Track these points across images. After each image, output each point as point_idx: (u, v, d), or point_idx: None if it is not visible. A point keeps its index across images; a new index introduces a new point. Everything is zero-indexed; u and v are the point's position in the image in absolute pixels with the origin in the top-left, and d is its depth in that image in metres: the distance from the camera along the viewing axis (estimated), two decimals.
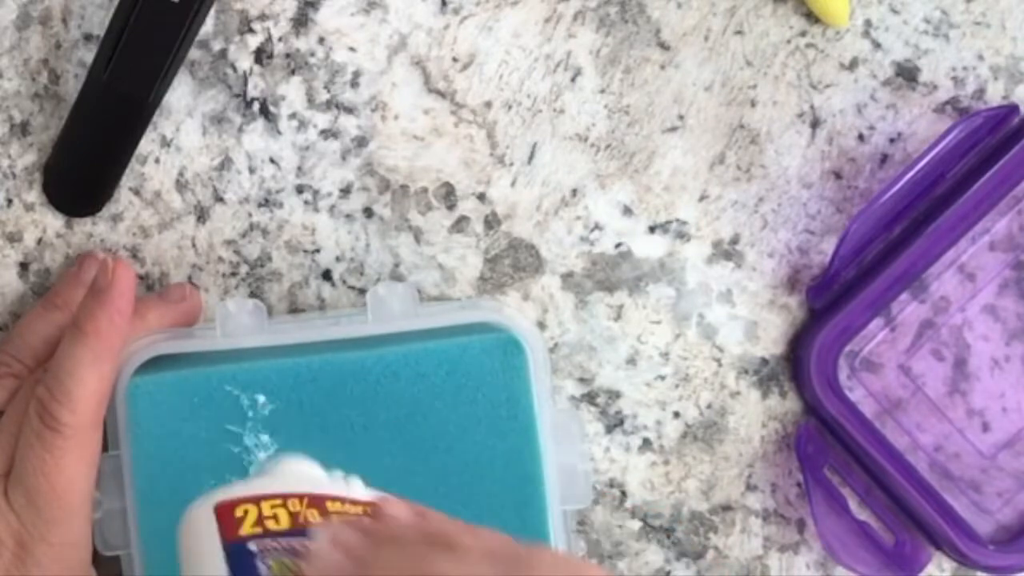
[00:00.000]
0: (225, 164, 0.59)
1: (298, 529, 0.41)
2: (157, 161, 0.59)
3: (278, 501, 0.42)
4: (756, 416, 0.61)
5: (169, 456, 0.55)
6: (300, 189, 0.59)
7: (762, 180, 0.61)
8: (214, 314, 0.58)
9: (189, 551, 0.41)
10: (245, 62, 0.59)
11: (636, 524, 0.61)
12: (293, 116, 0.59)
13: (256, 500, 0.42)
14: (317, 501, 0.43)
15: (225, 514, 0.41)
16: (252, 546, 0.40)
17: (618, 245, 0.61)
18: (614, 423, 0.61)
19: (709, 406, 0.61)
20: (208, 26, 0.59)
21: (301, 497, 0.42)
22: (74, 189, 0.59)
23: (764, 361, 0.61)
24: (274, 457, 0.48)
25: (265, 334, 0.56)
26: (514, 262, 0.60)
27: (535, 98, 0.60)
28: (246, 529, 0.41)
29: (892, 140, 0.61)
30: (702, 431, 0.61)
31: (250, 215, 0.59)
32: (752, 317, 0.61)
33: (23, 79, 0.59)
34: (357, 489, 0.45)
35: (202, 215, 0.59)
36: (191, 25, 0.56)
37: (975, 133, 0.59)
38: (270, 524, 0.41)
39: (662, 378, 0.61)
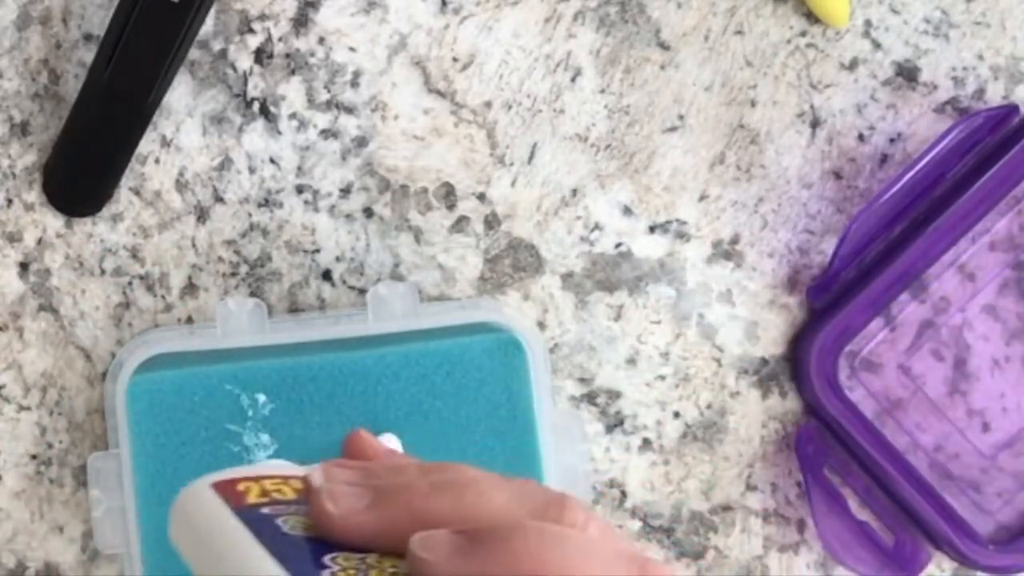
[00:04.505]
0: (225, 164, 0.59)
1: (304, 499, 0.39)
2: (157, 161, 0.59)
3: (279, 479, 0.40)
4: (756, 416, 0.61)
5: (169, 455, 0.55)
6: (300, 189, 0.59)
7: (762, 180, 0.61)
8: (214, 314, 0.58)
9: (196, 526, 0.39)
10: (245, 62, 0.59)
11: (636, 524, 0.61)
12: (293, 116, 0.59)
13: (255, 478, 0.40)
14: None
15: (227, 489, 0.40)
16: (265, 511, 0.39)
17: (618, 245, 0.61)
18: (614, 423, 0.61)
19: (709, 406, 0.61)
20: (208, 26, 0.59)
21: (300, 478, 0.40)
22: (74, 189, 0.59)
23: (764, 361, 0.61)
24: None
25: (265, 334, 0.56)
26: (514, 262, 0.60)
27: (535, 98, 0.60)
28: (252, 499, 0.39)
29: (892, 140, 0.61)
30: (702, 431, 0.61)
31: (250, 215, 0.59)
32: (752, 317, 0.61)
33: (23, 79, 0.59)
34: None
35: (202, 215, 0.59)
36: (191, 25, 0.57)
37: (975, 133, 0.59)
38: (276, 495, 0.39)
39: (662, 378, 0.61)
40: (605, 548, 0.35)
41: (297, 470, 0.41)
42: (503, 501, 0.36)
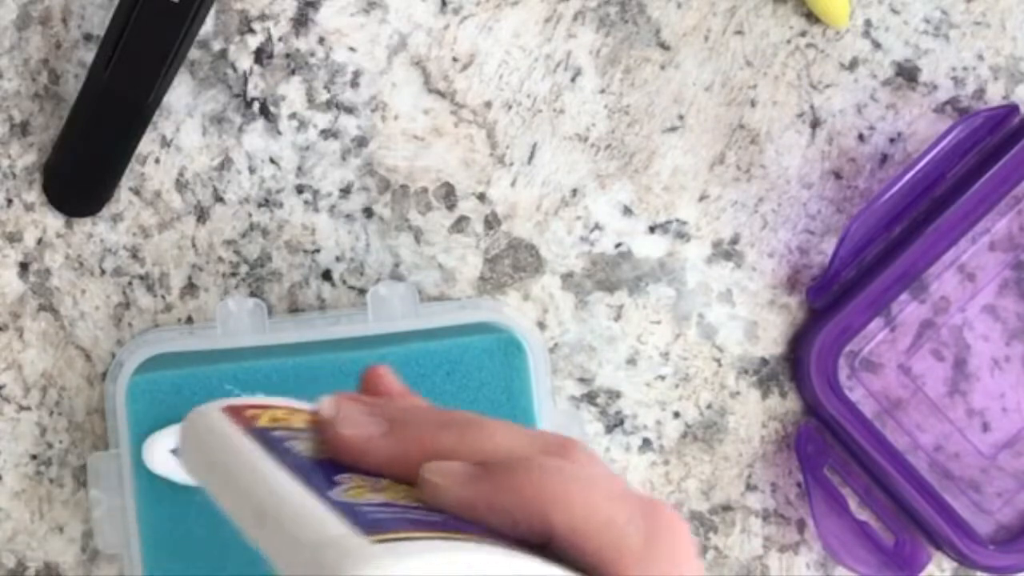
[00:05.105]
0: (225, 164, 0.59)
1: (312, 429, 0.39)
2: (157, 161, 0.59)
3: (286, 409, 0.41)
4: (756, 416, 0.61)
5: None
6: (300, 189, 0.59)
7: (762, 180, 0.61)
8: (214, 314, 0.58)
9: (207, 444, 0.38)
10: (245, 62, 0.59)
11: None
12: (293, 116, 0.59)
13: (263, 407, 0.41)
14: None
15: (236, 413, 0.40)
16: (275, 434, 0.39)
17: (618, 245, 0.61)
18: (614, 423, 0.61)
19: (709, 406, 0.61)
20: (208, 26, 0.59)
21: (307, 410, 0.41)
22: (74, 189, 0.59)
23: (764, 361, 0.61)
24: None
25: (265, 333, 0.56)
26: (514, 262, 0.60)
27: (535, 98, 0.60)
28: (263, 423, 0.39)
29: (892, 140, 0.61)
30: (702, 431, 0.61)
31: (250, 215, 0.59)
32: (752, 317, 0.61)
33: (23, 79, 0.59)
34: None
35: (202, 215, 0.59)
36: (191, 25, 0.57)
37: (975, 133, 0.59)
38: (284, 423, 0.40)
39: (662, 378, 0.61)
40: (610, 485, 0.36)
41: (304, 404, 0.42)
42: (509, 440, 0.38)
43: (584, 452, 0.38)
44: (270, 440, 0.38)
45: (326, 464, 0.38)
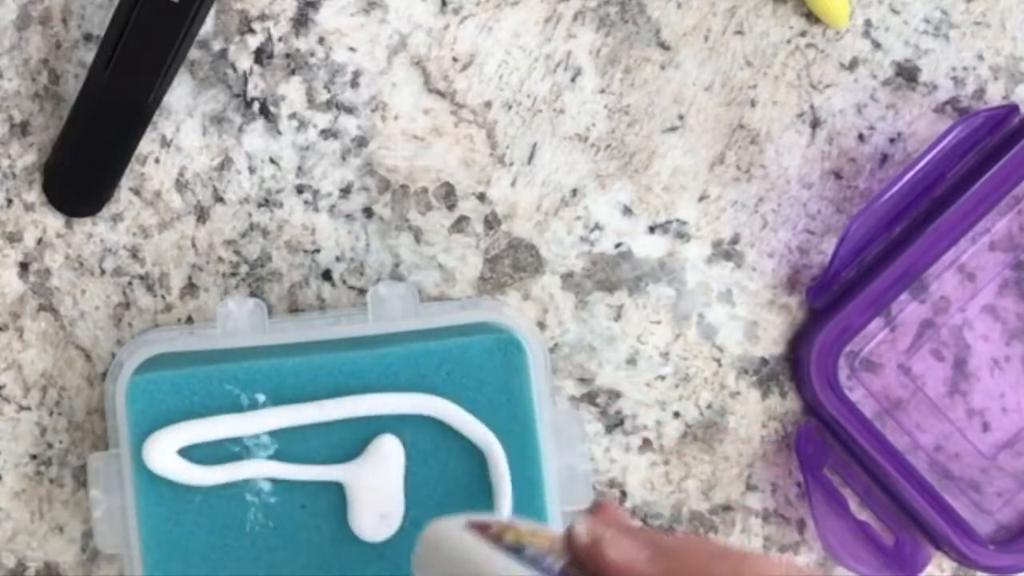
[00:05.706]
0: (225, 164, 0.59)
1: (554, 551, 0.40)
2: (157, 161, 0.59)
3: (524, 531, 0.41)
4: (756, 416, 0.61)
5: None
6: (300, 189, 0.59)
7: (762, 180, 0.61)
8: (214, 314, 0.58)
9: (455, 560, 0.39)
10: (245, 62, 0.59)
11: (636, 524, 0.61)
12: (293, 116, 0.59)
13: (503, 525, 0.41)
14: (558, 540, 0.42)
15: (480, 530, 0.40)
16: (529, 552, 0.39)
17: (618, 245, 0.61)
18: (614, 423, 0.61)
19: (709, 406, 0.61)
20: (208, 26, 0.59)
21: (545, 533, 0.41)
22: (74, 189, 0.59)
23: (764, 361, 0.61)
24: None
25: (265, 333, 0.56)
26: (514, 262, 0.60)
27: (535, 98, 0.60)
28: (510, 540, 0.40)
29: (892, 140, 0.61)
30: (702, 431, 0.61)
31: (250, 215, 0.59)
32: (752, 317, 0.61)
33: (23, 79, 0.59)
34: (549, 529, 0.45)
35: (202, 215, 0.59)
36: (191, 25, 0.57)
37: (975, 133, 0.59)
38: (530, 543, 0.40)
39: (662, 378, 0.61)
40: None
41: (539, 525, 0.42)
42: (785, 573, 0.38)
43: None
44: (525, 557, 0.38)
45: None
